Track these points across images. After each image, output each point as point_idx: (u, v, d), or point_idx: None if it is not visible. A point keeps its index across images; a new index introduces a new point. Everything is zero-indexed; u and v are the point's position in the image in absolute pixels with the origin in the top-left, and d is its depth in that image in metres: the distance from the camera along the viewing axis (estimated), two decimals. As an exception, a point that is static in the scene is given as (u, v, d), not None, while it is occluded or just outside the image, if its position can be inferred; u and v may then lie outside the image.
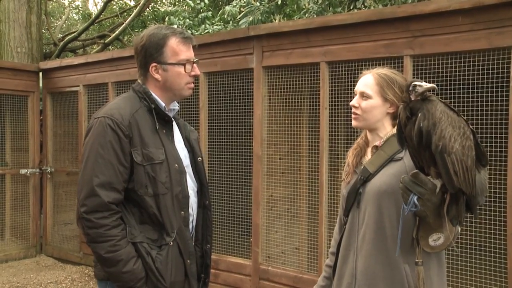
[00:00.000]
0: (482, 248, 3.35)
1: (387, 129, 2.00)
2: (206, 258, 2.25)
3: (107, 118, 1.99)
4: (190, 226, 2.16)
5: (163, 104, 2.13)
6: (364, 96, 2.00)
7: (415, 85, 1.66)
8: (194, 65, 2.14)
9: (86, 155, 2.00)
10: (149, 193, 2.00)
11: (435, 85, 1.65)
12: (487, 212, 3.25)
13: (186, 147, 2.22)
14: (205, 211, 2.24)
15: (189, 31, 7.98)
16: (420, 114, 1.64)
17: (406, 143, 1.75)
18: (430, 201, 1.65)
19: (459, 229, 1.78)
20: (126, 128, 1.99)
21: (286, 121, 4.38)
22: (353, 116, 2.04)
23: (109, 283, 2.06)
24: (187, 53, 2.11)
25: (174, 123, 2.21)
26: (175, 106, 2.23)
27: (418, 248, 1.78)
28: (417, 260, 1.79)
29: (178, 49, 2.09)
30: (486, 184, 1.72)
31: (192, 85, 2.17)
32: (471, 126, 1.68)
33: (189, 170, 2.18)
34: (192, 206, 2.17)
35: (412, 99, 1.67)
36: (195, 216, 2.20)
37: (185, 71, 2.10)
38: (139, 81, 2.16)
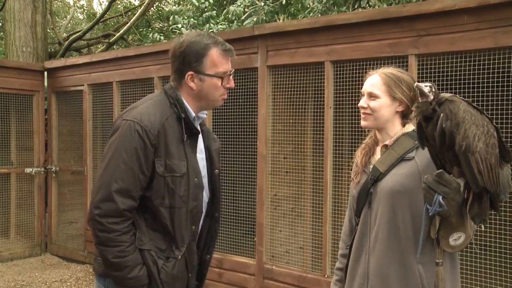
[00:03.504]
0: (487, 248, 3.34)
1: (397, 128, 1.99)
2: (203, 268, 2.23)
3: (136, 124, 1.93)
4: (196, 237, 2.14)
5: (193, 114, 2.07)
6: (372, 96, 1.99)
7: (417, 85, 1.67)
8: (230, 77, 2.08)
9: (108, 156, 1.95)
10: (165, 205, 1.97)
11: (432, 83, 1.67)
12: (493, 211, 3.23)
13: (205, 157, 2.17)
14: (212, 222, 2.21)
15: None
16: (442, 114, 1.63)
17: (428, 143, 1.74)
18: (454, 201, 1.65)
19: (476, 226, 1.77)
20: (154, 137, 1.93)
21: (291, 120, 4.37)
22: (362, 116, 2.02)
23: (108, 280, 2.04)
24: (226, 65, 2.06)
25: (200, 135, 2.14)
26: (203, 114, 2.17)
27: (438, 249, 1.77)
28: (437, 261, 1.78)
29: (218, 61, 2.03)
30: (509, 180, 1.71)
31: (226, 96, 2.11)
32: (494, 123, 1.67)
33: (204, 181, 2.14)
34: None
35: (420, 100, 1.67)
36: (200, 226, 2.16)
37: (221, 84, 2.06)
38: (171, 84, 2.09)
